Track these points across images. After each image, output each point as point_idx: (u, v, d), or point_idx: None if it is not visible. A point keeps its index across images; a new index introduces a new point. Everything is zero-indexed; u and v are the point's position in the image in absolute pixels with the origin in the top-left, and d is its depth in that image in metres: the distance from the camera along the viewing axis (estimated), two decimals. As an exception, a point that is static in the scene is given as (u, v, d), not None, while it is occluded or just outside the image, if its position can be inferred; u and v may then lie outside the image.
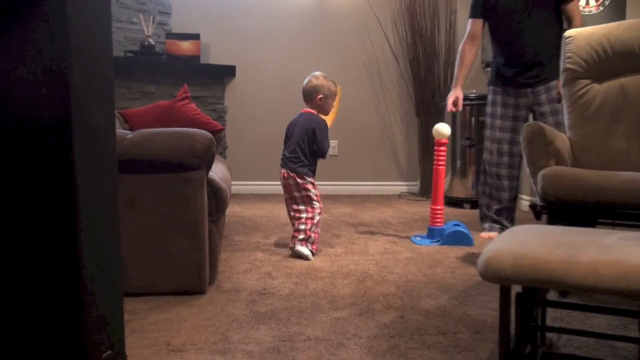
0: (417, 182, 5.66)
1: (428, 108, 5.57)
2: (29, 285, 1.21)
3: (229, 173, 3.43)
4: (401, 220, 4.43)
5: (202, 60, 5.41)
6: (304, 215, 3.29)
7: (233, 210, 4.75)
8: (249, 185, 5.50)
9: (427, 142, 5.58)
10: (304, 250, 3.24)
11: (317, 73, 3.29)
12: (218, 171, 2.99)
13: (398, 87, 5.80)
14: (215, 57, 5.58)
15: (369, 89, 5.75)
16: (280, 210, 4.75)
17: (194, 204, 2.50)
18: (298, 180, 3.26)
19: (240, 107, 5.61)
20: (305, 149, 3.25)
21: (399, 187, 5.84)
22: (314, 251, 3.29)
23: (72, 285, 1.21)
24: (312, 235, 3.27)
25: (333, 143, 5.35)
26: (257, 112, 5.66)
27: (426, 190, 5.53)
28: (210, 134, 2.62)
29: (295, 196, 3.28)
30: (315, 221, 3.28)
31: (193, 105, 3.41)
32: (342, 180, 5.69)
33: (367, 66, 5.79)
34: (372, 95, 5.76)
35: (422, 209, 4.93)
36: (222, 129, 3.58)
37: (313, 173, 3.29)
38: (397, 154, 5.81)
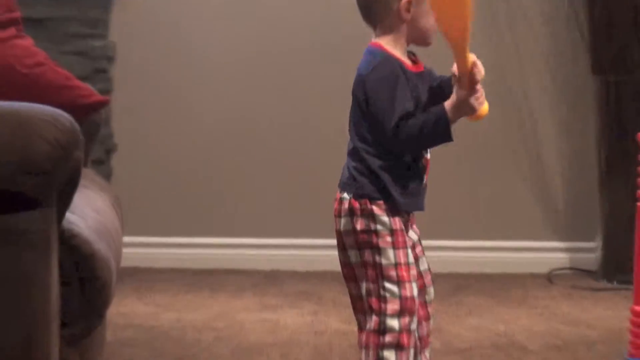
0: (595, 244, 3.60)
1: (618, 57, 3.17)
2: None
3: (116, 216, 2.20)
4: (554, 342, 2.92)
5: None
6: (367, 324, 1.76)
7: (127, 310, 3.15)
8: (164, 248, 3.64)
9: (621, 150, 3.50)
10: None
11: None
12: (90, 212, 1.90)
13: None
14: None
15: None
16: (247, 313, 3.10)
17: (26, 297, 1.60)
18: (345, 217, 1.77)
19: (147, 46, 3.59)
20: (354, 138, 1.76)
21: (549, 255, 3.64)
22: None
23: None
24: None
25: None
26: (185, 56, 3.51)
27: (616, 266, 3.45)
28: (71, 117, 1.57)
29: (348, 261, 1.78)
30: (385, 341, 1.74)
31: (29, 41, 2.30)
32: (427, 238, 3.45)
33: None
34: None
35: (608, 312, 3.22)
36: (104, 103, 2.28)
37: (381, 193, 1.75)
38: (545, 177, 3.68)
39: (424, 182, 1.65)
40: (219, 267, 3.30)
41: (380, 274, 1.53)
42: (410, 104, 1.57)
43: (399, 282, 1.54)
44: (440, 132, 1.54)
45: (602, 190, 3.11)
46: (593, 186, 3.19)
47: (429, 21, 1.59)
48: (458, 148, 3.04)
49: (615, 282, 3.03)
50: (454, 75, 1.55)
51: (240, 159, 3.36)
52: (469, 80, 1.50)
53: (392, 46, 1.60)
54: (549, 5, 3.36)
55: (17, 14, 2.30)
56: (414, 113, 1.54)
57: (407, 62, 1.61)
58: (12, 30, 2.23)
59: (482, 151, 3.35)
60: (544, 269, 3.17)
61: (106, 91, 3.05)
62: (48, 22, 3.14)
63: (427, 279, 1.66)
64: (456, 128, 1.86)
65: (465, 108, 1.51)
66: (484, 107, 1.55)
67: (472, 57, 1.55)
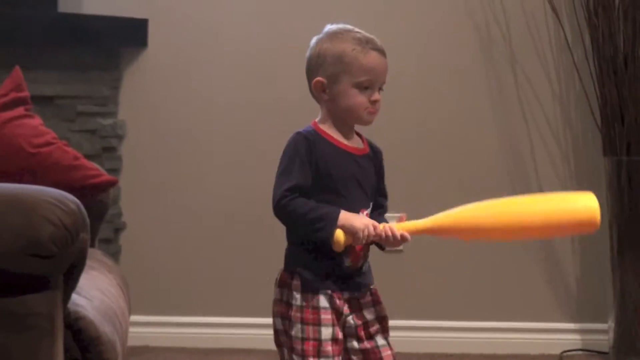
0: (607, 326, 3.38)
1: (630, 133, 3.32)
2: None
3: (122, 297, 2.13)
4: None
5: (63, 8, 3.18)
6: None
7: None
8: (173, 327, 3.47)
9: (633, 231, 3.21)
10: None
11: (331, 28, 1.83)
12: (96, 293, 1.89)
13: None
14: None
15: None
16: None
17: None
18: (275, 287, 1.81)
19: (157, 124, 3.48)
20: None
21: (560, 336, 3.47)
22: None
23: None
24: None
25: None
26: (194, 136, 3.48)
27: (629, 348, 3.24)
28: (77, 199, 1.59)
29: (275, 328, 1.82)
30: None
31: (37, 120, 2.18)
32: (428, 319, 3.55)
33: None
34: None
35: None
36: (112, 183, 2.19)
37: (294, 268, 1.77)
38: (556, 257, 3.47)
39: (351, 264, 1.61)
40: (228, 347, 3.16)
41: (290, 344, 1.59)
42: (307, 181, 1.58)
43: (303, 356, 1.56)
44: (319, 228, 1.52)
45: (614, 271, 2.99)
46: (605, 267, 3.10)
47: (350, 100, 1.52)
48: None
49: (627, 364, 2.96)
50: (397, 220, 1.56)
51: (250, 238, 3.18)
52: (393, 237, 1.53)
53: (326, 123, 1.59)
54: (559, 86, 3.37)
55: (26, 93, 2.15)
56: (306, 190, 1.55)
57: (343, 140, 1.60)
58: (20, 110, 2.08)
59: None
60: (555, 350, 3.07)
61: (115, 170, 2.91)
62: (57, 100, 2.93)
63: (385, 353, 1.62)
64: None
65: (359, 236, 1.50)
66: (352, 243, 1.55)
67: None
